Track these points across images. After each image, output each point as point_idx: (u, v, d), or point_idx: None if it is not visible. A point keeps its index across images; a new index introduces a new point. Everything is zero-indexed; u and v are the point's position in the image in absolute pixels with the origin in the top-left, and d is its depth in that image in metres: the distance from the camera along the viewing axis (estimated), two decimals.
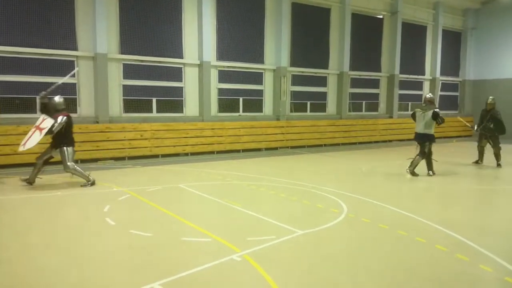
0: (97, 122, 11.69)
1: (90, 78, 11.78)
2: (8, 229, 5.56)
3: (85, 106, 11.81)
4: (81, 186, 8.13)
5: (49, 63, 11.18)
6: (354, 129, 17.25)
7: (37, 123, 7.97)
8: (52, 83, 11.51)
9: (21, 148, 7.85)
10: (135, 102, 12.69)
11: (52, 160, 8.34)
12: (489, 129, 11.49)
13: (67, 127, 8.11)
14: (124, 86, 12.43)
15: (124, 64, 12.36)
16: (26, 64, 10.87)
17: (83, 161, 11.10)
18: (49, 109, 8.10)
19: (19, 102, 10.88)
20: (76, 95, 11.68)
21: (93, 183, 8.22)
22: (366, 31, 18.13)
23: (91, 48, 11.68)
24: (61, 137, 8.06)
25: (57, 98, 8.25)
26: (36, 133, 7.81)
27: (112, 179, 9.00)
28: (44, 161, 8.16)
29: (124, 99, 12.45)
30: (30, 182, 8.12)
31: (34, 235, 5.31)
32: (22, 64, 10.82)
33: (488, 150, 11.89)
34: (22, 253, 4.62)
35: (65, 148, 8.04)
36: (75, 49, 11.53)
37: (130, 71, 12.48)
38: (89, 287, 3.77)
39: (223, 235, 5.15)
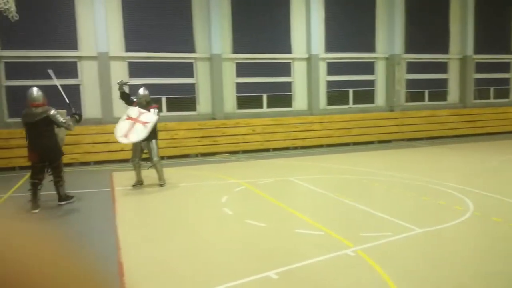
0: (214, 119, 12.49)
1: (206, 77, 12.62)
2: (139, 217, 6.30)
3: (203, 104, 12.69)
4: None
5: (173, 66, 12.26)
6: (481, 118, 15.51)
7: (132, 114, 7.56)
8: (177, 84, 12.76)
9: (124, 140, 7.47)
10: (247, 98, 13.23)
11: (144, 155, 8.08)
12: None
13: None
14: (237, 84, 13.04)
15: (237, 63, 12.97)
16: (154, 67, 12.09)
17: (203, 155, 11.97)
18: (130, 100, 8.01)
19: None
20: (195, 94, 12.62)
21: (162, 185, 7.97)
22: (492, 7, 16.08)
23: (207, 49, 12.49)
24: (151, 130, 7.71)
25: (142, 91, 7.94)
26: (138, 126, 7.44)
27: (228, 171, 9.54)
28: (139, 158, 7.92)
29: (237, 96, 13.08)
30: (140, 183, 7.98)
31: (163, 222, 5.91)
32: (150, 68, 12.05)
33: None
34: (153, 237, 5.20)
35: (154, 141, 7.81)
36: (194, 51, 12.45)
37: (242, 69, 13.04)
38: (210, 271, 4.09)
39: (336, 229, 5.12)
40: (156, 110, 7.81)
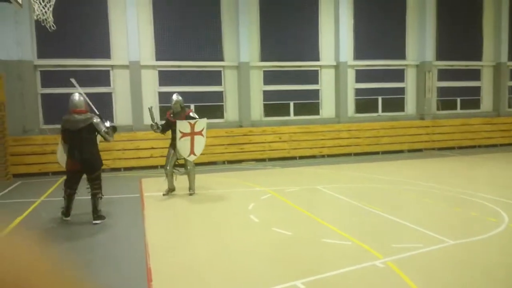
0: (241, 126, 12.56)
1: (234, 85, 12.73)
2: (168, 223, 6.38)
3: (231, 111, 12.80)
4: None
5: (201, 74, 12.45)
6: None
7: (185, 130, 7.51)
8: (205, 92, 12.92)
9: (193, 158, 7.69)
10: (274, 106, 13.25)
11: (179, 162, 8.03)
12: None
13: None
14: (264, 92, 13.09)
15: (264, 71, 13.03)
16: (184, 75, 12.30)
17: (229, 162, 12.04)
18: (168, 124, 7.85)
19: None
20: (223, 102, 12.75)
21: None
22: None
23: (235, 57, 12.61)
24: None
25: (176, 96, 7.87)
26: (199, 138, 7.62)
27: (255, 179, 9.55)
28: (173, 166, 7.88)
29: (264, 104, 13.12)
30: (172, 190, 7.93)
31: (190, 228, 5.97)
32: (179, 76, 12.27)
33: None
34: (180, 243, 5.25)
35: None
36: (222, 59, 12.60)
37: (269, 77, 13.09)
38: (237, 278, 4.09)
39: (364, 240, 5.02)
40: (195, 115, 7.90)
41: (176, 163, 7.91)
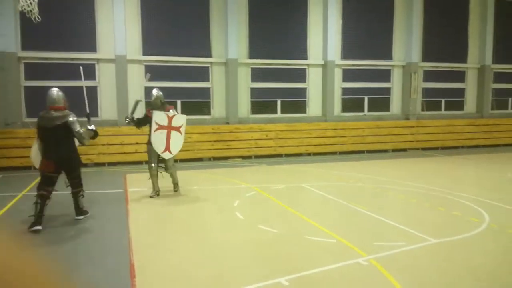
0: (228, 123, 12.52)
1: (221, 82, 12.68)
2: (152, 220, 6.33)
3: (218, 108, 12.74)
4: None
5: (189, 70, 12.36)
6: (498, 129, 15.26)
7: (162, 121, 7.01)
8: (192, 88, 12.84)
9: (168, 156, 7.13)
10: (261, 103, 13.25)
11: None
12: None
13: None
14: (252, 89, 13.07)
15: (252, 68, 13.01)
16: (171, 71, 12.19)
17: (216, 158, 12.01)
18: (145, 120, 7.41)
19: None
20: (210, 99, 12.69)
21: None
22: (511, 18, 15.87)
23: (223, 54, 12.56)
24: None
25: (156, 91, 7.40)
26: (176, 135, 7.06)
27: (240, 176, 9.54)
28: (157, 164, 7.39)
29: (251, 101, 13.10)
30: (158, 193, 7.43)
31: (175, 224, 5.93)
32: (167, 71, 12.16)
33: None
34: (164, 239, 5.21)
35: None
36: (210, 56, 12.53)
37: (257, 74, 13.07)
38: (221, 275, 4.08)
39: (348, 238, 5.07)
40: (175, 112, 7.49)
41: (160, 158, 7.39)
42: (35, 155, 6.01)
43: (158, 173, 7.42)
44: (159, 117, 7.05)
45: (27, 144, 10.28)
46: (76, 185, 5.95)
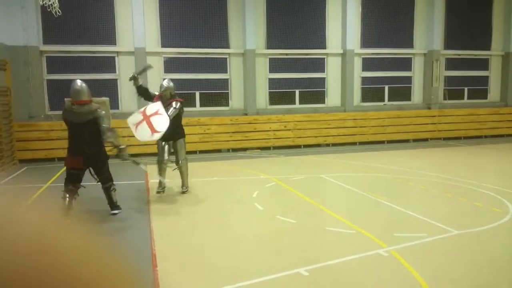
0: (246, 114, 12.53)
1: (240, 73, 12.67)
2: (173, 210, 6.42)
3: (236, 99, 12.76)
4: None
5: (207, 61, 12.39)
6: None
7: (135, 120, 6.40)
8: (210, 80, 12.89)
9: (158, 136, 6.32)
10: (279, 94, 13.19)
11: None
12: None
13: (181, 115, 7.02)
14: (270, 79, 13.02)
15: (270, 59, 12.94)
16: (189, 63, 12.24)
17: (234, 150, 12.05)
18: (149, 95, 7.00)
19: (182, 97, 12.33)
20: (228, 90, 12.70)
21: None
22: None
23: (241, 45, 12.52)
24: (178, 127, 6.93)
25: (167, 82, 6.96)
26: (157, 118, 6.29)
27: (259, 167, 9.56)
28: (167, 159, 7.00)
29: (269, 92, 13.06)
30: (163, 187, 7.15)
31: (195, 214, 6.01)
32: (185, 63, 12.21)
33: None
34: (185, 229, 5.29)
35: (181, 140, 7.07)
36: (227, 47, 12.51)
37: (275, 64, 13.00)
38: (241, 265, 4.12)
39: (368, 229, 5.04)
40: (179, 104, 6.82)
41: (171, 151, 7.03)
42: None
43: (167, 167, 7.01)
44: (152, 108, 6.42)
45: (50, 136, 10.55)
46: (106, 179, 5.79)
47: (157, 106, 6.44)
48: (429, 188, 7.21)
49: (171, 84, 6.99)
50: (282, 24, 12.89)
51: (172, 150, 7.00)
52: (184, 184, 7.19)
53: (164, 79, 7.32)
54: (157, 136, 6.32)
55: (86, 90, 5.55)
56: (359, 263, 4.07)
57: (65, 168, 5.69)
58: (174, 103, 6.79)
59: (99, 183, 5.77)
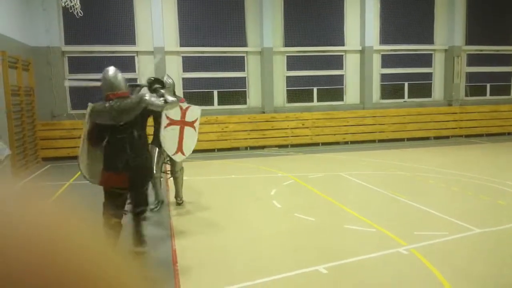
0: (264, 112, 12.54)
1: (257, 71, 12.68)
2: (192, 207, 6.49)
3: (253, 97, 12.78)
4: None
5: (224, 60, 12.45)
6: None
7: (175, 116, 5.25)
8: (228, 78, 12.93)
9: (180, 158, 5.44)
10: (297, 92, 13.15)
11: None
12: None
13: None
14: (288, 77, 12.99)
15: (287, 56, 12.91)
16: (207, 61, 12.31)
17: (252, 148, 12.09)
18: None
19: (201, 96, 12.43)
20: (246, 88, 12.73)
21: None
22: None
23: (259, 43, 12.53)
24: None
25: (167, 78, 6.09)
26: (190, 131, 5.40)
27: (277, 164, 9.56)
28: (161, 169, 6.21)
29: (287, 90, 13.03)
30: (162, 201, 6.21)
31: (213, 212, 6.06)
32: (203, 62, 12.30)
33: None
34: (204, 226, 5.33)
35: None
36: (245, 45, 12.54)
37: (293, 62, 12.97)
38: (260, 262, 4.14)
39: (388, 227, 4.99)
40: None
41: (167, 162, 6.26)
42: (85, 166, 4.03)
43: (161, 178, 6.26)
44: (171, 110, 5.06)
45: (72, 135, 10.78)
46: (141, 202, 4.10)
47: (197, 114, 5.52)
48: (450, 186, 7.09)
49: (171, 79, 6.22)
50: (300, 21, 12.83)
51: (167, 159, 6.11)
52: (178, 195, 6.38)
53: (164, 76, 6.32)
54: (179, 158, 5.42)
55: (123, 79, 4.05)
56: (378, 261, 4.04)
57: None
58: (186, 105, 5.58)
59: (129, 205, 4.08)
